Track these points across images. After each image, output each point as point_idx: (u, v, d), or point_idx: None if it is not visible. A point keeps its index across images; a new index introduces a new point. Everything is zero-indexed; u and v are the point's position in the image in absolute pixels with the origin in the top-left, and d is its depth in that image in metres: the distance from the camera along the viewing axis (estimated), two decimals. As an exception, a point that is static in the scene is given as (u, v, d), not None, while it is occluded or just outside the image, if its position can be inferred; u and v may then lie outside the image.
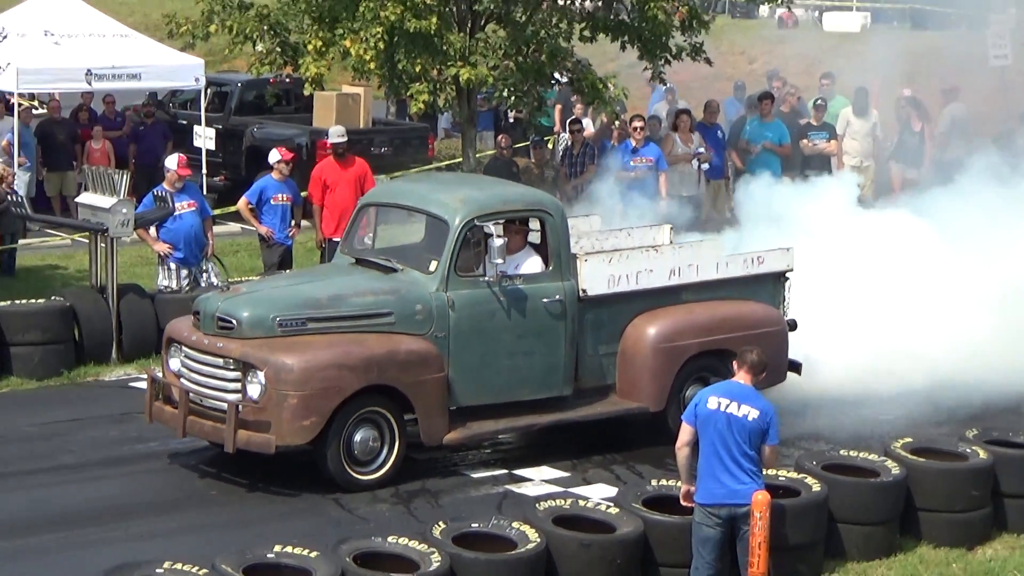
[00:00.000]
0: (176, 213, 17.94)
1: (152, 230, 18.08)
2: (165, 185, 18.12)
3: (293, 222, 19.20)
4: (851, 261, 16.16)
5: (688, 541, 11.16)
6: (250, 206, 19.04)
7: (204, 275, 18.11)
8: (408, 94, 20.80)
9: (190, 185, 18.53)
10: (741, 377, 11.21)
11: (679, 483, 11.48)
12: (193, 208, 18.12)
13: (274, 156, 19.20)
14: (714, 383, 11.95)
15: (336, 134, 19.37)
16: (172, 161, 18.40)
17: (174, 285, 17.98)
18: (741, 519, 10.80)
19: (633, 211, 18.20)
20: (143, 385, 14.73)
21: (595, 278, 14.43)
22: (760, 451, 10.99)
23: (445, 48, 20.22)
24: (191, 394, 13.68)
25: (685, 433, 11.13)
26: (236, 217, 21.11)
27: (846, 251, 16.27)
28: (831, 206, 17.15)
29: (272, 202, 18.95)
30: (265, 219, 18.96)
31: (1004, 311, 15.89)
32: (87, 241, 18.47)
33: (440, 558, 10.90)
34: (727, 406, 10.95)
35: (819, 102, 23.85)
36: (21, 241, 21.86)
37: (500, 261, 13.90)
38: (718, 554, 11.00)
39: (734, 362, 11.52)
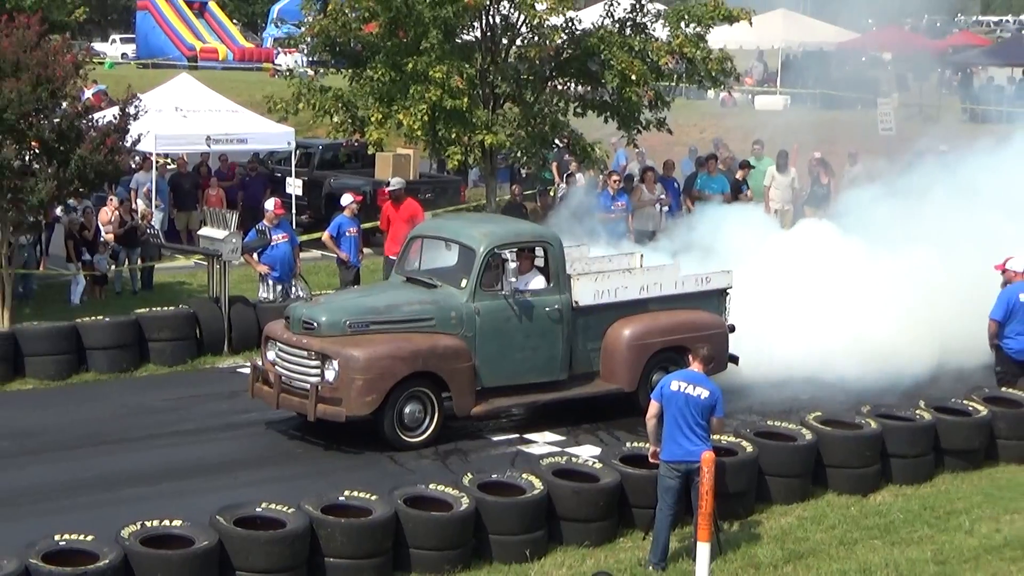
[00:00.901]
0: (273, 243, 17.89)
1: (255, 255, 18.03)
2: (265, 221, 18.06)
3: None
4: (773, 276, 16.01)
5: (654, 489, 11.07)
6: (331, 237, 19.00)
7: (293, 289, 18.05)
8: (446, 154, 20.78)
9: (283, 222, 18.47)
10: (695, 366, 11.12)
11: (648, 445, 11.40)
12: (286, 239, 18.06)
13: (347, 199, 19.12)
14: (674, 371, 11.87)
15: (394, 183, 19.32)
16: (270, 204, 18.35)
17: (271, 297, 17.92)
18: (694, 472, 10.69)
19: (612, 242, 18.09)
20: (247, 371, 14.65)
21: (585, 292, 14.34)
22: (709, 422, 10.91)
23: (474, 121, 20.21)
24: (283, 377, 13.63)
25: (652, 408, 11.05)
26: (318, 246, 21.05)
27: (768, 268, 16.12)
28: (754, 233, 17.04)
29: (347, 235, 18.87)
30: (342, 247, 18.89)
31: (893, 317, 15.74)
32: (206, 264, 18.43)
33: (468, 500, 10.88)
34: (685, 387, 10.88)
35: (749, 163, 23.75)
36: (157, 264, 21.81)
37: (514, 280, 13.87)
38: (676, 499, 10.92)
39: (689, 355, 11.48)
